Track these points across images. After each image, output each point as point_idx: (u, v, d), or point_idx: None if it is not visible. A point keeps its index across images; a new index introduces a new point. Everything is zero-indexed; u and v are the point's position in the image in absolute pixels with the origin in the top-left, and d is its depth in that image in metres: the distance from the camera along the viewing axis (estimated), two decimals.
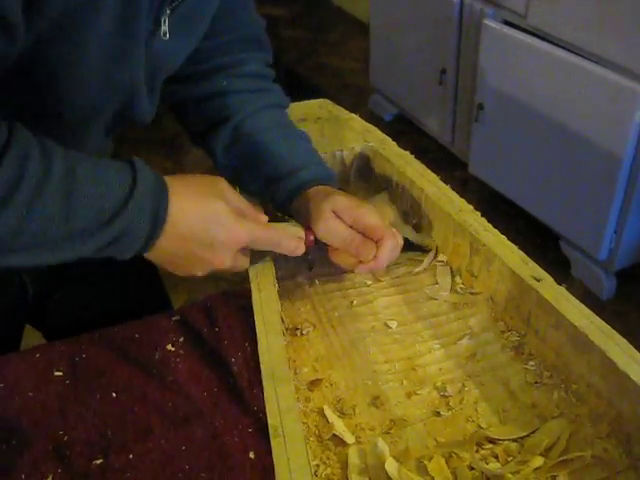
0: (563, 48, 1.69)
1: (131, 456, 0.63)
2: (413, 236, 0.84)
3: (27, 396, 0.69)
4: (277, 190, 0.77)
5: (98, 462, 0.62)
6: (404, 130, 2.48)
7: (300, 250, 0.70)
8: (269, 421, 0.52)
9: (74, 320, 0.90)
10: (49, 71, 0.56)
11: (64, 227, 0.52)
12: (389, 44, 2.49)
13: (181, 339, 0.76)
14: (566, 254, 1.92)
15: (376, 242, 0.70)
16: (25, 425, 0.66)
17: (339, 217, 0.70)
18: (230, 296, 0.82)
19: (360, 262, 0.71)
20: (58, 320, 0.91)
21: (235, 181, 0.82)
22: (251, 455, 0.61)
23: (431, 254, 0.83)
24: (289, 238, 0.69)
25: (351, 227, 0.70)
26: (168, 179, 0.60)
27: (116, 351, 0.74)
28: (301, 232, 0.72)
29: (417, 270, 0.81)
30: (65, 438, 0.65)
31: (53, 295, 0.88)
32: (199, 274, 0.65)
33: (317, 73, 3.22)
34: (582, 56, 1.65)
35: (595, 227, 1.74)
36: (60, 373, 0.71)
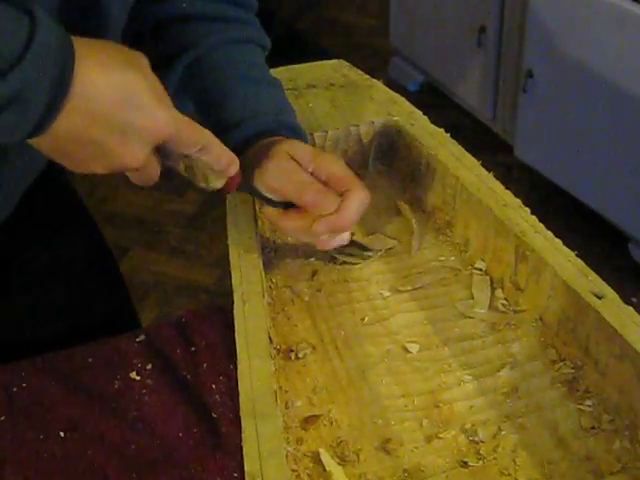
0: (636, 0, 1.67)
1: None
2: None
3: None
4: (227, 140, 0.73)
5: None
6: (432, 103, 2.45)
7: (233, 169, 0.67)
8: (246, 467, 0.52)
9: (13, 340, 0.90)
10: None
11: None
12: None
13: (148, 366, 0.75)
14: (637, 260, 1.91)
15: (340, 195, 0.69)
16: None
17: (297, 161, 0.70)
18: (212, 312, 0.81)
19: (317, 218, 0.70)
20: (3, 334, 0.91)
21: None
22: None
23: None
24: (222, 146, 0.65)
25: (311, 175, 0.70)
26: (76, 39, 0.55)
27: (64, 380, 0.73)
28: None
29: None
30: None
31: None
32: (99, 170, 0.60)
33: (322, 31, 3.20)
34: None
35: None
36: None
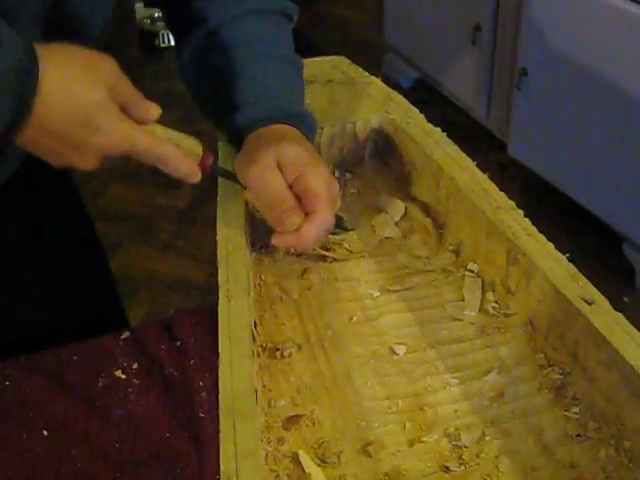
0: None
1: None
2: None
3: None
4: (231, 122, 0.77)
5: None
6: (426, 99, 2.46)
7: (194, 178, 0.70)
8: (221, 467, 0.52)
9: (10, 329, 0.90)
10: None
11: None
12: None
13: (134, 365, 0.75)
14: (630, 260, 1.89)
15: (306, 214, 0.70)
16: None
17: (282, 169, 0.70)
18: (201, 308, 0.81)
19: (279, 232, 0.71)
20: None
21: (198, 101, 0.83)
22: None
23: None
24: (181, 157, 0.68)
25: (291, 186, 0.70)
26: (42, 52, 0.59)
27: (48, 378, 0.73)
28: (198, 148, 0.71)
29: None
30: None
31: None
32: (58, 165, 0.66)
33: (316, 26, 3.17)
34: None
35: None
36: None
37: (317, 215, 0.70)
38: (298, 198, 0.71)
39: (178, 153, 0.68)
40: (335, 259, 0.82)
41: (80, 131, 0.61)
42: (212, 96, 0.81)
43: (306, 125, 0.78)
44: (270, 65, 0.80)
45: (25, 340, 0.83)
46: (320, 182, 0.70)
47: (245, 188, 0.73)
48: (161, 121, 0.68)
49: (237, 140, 0.77)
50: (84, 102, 0.60)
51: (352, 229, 0.85)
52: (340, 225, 0.84)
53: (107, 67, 0.63)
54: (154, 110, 0.67)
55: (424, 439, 0.63)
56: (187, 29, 0.81)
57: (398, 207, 0.88)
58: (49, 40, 0.63)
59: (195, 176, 0.70)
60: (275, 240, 0.72)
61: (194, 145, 0.71)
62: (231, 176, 0.75)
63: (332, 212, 0.72)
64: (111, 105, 0.62)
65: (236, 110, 0.77)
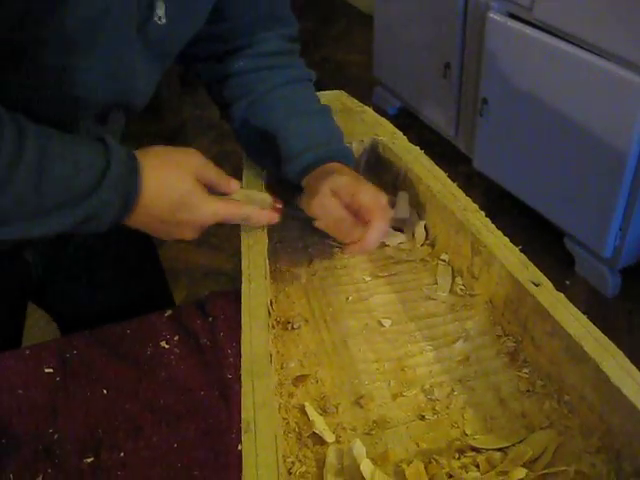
0: (569, 42, 1.66)
1: (122, 454, 0.63)
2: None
3: (17, 394, 0.69)
4: (287, 171, 0.77)
5: (89, 461, 0.62)
6: (408, 124, 2.45)
7: (272, 220, 0.72)
8: (242, 415, 0.51)
9: (78, 307, 0.90)
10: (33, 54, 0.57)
11: (35, 205, 0.55)
12: (393, 37, 2.47)
13: (175, 337, 0.75)
14: (571, 251, 1.89)
15: (365, 225, 0.70)
16: (15, 424, 0.65)
17: (337, 195, 0.70)
18: (230, 291, 0.81)
19: (348, 244, 0.72)
20: (63, 305, 0.91)
21: (254, 156, 0.84)
22: None
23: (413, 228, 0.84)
24: (258, 212, 0.70)
25: (348, 206, 0.70)
26: (141, 157, 0.61)
27: (107, 348, 0.74)
28: (269, 198, 0.73)
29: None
30: (55, 437, 0.65)
31: (57, 276, 0.88)
32: (164, 239, 0.69)
33: (320, 66, 3.15)
34: (589, 50, 1.61)
35: (600, 224, 1.71)
36: (51, 370, 0.71)
37: (373, 224, 0.69)
38: (356, 215, 0.71)
39: (255, 211, 0.70)
40: (337, 246, 0.82)
41: (178, 214, 0.64)
42: (265, 153, 0.80)
43: (346, 157, 0.78)
44: (307, 119, 0.79)
45: (89, 318, 0.83)
46: (369, 197, 0.70)
47: (314, 219, 0.73)
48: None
49: (297, 182, 0.77)
50: (178, 192, 0.63)
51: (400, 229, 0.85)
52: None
53: (192, 159, 0.65)
54: (233, 185, 0.70)
55: (405, 394, 0.63)
56: (229, 104, 0.82)
57: None
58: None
59: (274, 220, 0.72)
60: (346, 252, 0.72)
61: (266, 197, 0.74)
62: (297, 213, 0.75)
63: (385, 218, 0.71)
64: (198, 189, 0.65)
65: (290, 161, 0.76)
